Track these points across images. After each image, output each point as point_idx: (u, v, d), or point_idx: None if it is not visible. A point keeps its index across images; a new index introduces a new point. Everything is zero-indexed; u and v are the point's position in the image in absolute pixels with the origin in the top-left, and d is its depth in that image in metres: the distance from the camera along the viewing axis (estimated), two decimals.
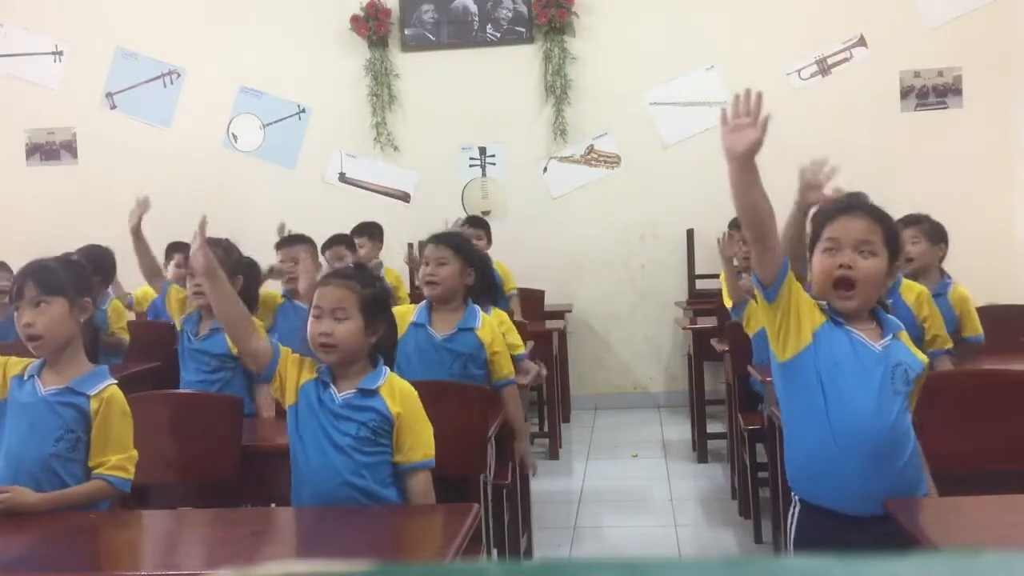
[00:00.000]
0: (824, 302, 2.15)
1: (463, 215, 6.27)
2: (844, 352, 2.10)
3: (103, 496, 2.36)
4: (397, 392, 2.33)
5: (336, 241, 5.20)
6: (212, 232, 3.71)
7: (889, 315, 2.22)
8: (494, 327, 3.33)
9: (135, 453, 2.41)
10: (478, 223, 5.96)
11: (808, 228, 2.37)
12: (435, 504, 2.30)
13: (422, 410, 2.36)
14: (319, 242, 4.78)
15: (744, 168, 2.01)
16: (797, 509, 2.18)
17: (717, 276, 5.58)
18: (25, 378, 2.40)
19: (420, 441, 2.32)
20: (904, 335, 2.18)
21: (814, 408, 2.11)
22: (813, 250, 2.19)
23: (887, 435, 2.07)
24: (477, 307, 3.35)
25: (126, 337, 4.72)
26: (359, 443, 2.28)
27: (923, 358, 2.18)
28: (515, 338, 3.56)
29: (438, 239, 3.39)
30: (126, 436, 2.40)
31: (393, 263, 6.38)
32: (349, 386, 2.32)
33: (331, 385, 2.33)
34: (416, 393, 2.37)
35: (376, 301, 2.37)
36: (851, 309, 2.12)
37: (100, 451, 2.35)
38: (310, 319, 2.35)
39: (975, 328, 3.87)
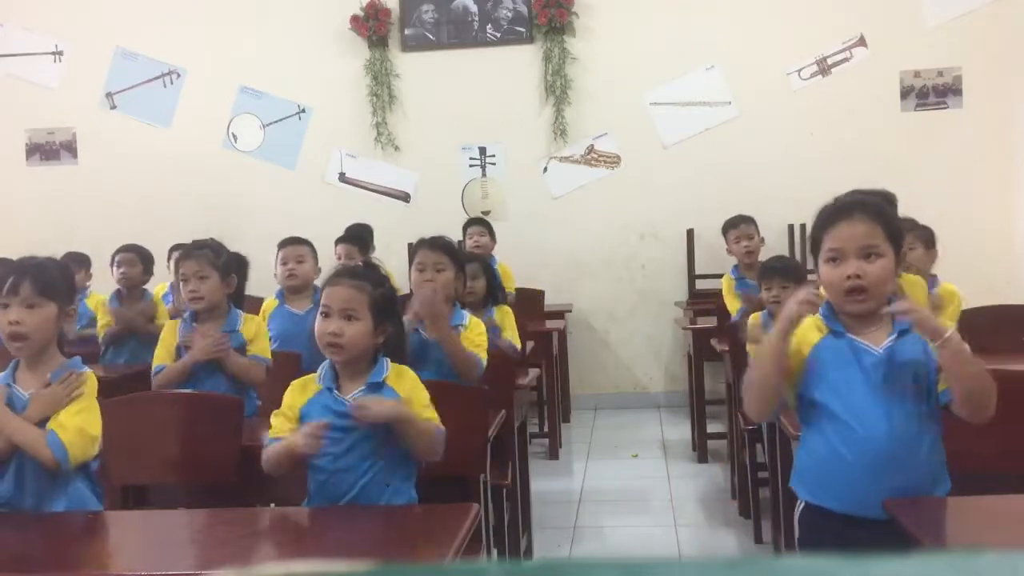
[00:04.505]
0: (823, 314, 2.13)
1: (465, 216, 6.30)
2: (843, 362, 2.08)
3: (36, 445, 2.23)
4: (398, 376, 2.36)
5: (346, 240, 5.26)
6: (212, 232, 3.75)
7: None
8: (480, 325, 3.34)
9: (96, 435, 2.31)
10: (482, 222, 5.99)
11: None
12: (435, 504, 2.30)
13: (422, 387, 2.38)
14: (319, 242, 4.77)
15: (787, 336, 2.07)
16: (801, 508, 2.18)
17: (717, 276, 5.59)
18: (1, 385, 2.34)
19: (426, 413, 2.35)
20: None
21: (817, 416, 2.12)
22: (817, 255, 2.14)
23: (893, 439, 2.03)
24: (465, 311, 3.37)
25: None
26: (376, 439, 2.28)
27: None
28: (483, 340, 3.47)
29: (432, 244, 3.36)
30: (91, 416, 2.30)
31: (393, 263, 6.39)
32: (355, 386, 2.32)
33: (335, 390, 2.32)
34: (413, 372, 2.41)
35: (385, 301, 2.37)
36: (866, 311, 2.08)
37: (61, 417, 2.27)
38: (318, 318, 2.34)
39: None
